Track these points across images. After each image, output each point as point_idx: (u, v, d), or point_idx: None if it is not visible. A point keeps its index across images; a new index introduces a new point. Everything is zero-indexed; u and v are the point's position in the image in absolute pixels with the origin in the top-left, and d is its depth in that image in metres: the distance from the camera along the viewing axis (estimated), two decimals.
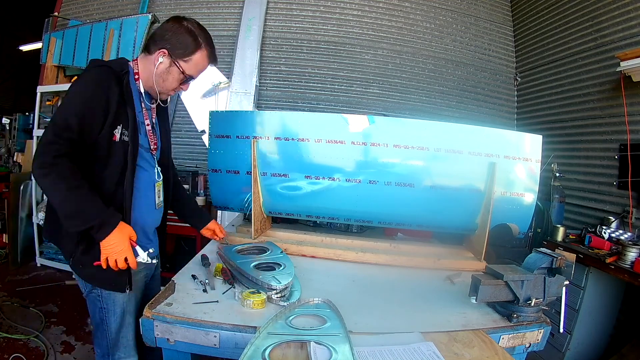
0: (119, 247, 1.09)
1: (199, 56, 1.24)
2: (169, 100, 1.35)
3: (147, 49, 1.24)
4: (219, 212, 2.99)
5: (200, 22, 1.29)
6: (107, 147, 1.12)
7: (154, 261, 1.21)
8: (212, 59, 1.29)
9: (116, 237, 1.08)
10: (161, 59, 1.20)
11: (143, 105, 1.26)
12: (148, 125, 1.28)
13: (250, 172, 1.72)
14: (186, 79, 1.27)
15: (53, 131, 1.04)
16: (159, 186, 1.33)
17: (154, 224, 1.36)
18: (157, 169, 1.32)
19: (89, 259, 1.12)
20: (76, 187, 1.04)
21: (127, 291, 1.19)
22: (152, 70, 1.22)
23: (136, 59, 1.26)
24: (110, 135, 1.12)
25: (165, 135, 1.40)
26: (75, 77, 1.24)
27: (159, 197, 1.33)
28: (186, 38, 1.21)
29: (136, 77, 1.24)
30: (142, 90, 1.25)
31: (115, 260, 1.08)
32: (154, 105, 1.33)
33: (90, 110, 1.09)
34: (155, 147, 1.32)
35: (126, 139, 1.15)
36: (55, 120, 1.08)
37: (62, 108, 1.10)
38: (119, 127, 1.14)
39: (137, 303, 1.29)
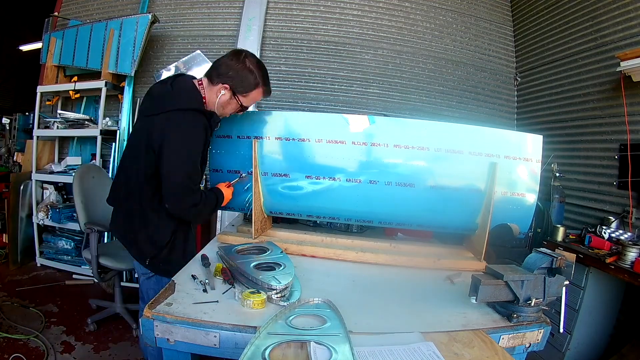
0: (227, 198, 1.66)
1: (256, 92, 1.50)
2: None
3: (210, 78, 1.47)
4: (219, 213, 2.99)
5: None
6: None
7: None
8: (267, 93, 1.56)
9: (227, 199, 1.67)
10: (223, 92, 1.45)
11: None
12: None
13: (251, 172, 1.72)
14: (243, 110, 1.55)
15: (186, 184, 1.41)
16: None
17: None
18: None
19: (171, 257, 1.52)
20: (210, 202, 1.57)
21: None
22: (214, 99, 1.47)
23: (202, 82, 1.48)
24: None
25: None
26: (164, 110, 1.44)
27: None
28: (247, 77, 1.45)
29: (205, 101, 1.48)
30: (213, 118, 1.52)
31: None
32: None
33: (198, 161, 1.45)
34: None
35: (202, 166, 1.55)
36: (186, 173, 1.41)
37: (181, 164, 1.40)
38: (203, 157, 1.51)
39: None
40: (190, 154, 1.41)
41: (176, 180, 1.40)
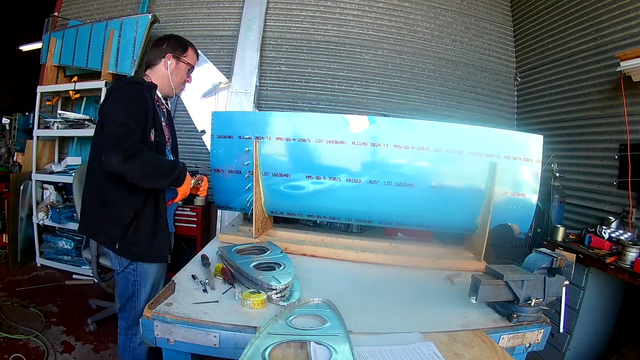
0: (188, 187, 1.60)
1: (191, 51, 1.68)
2: (169, 101, 1.77)
3: (150, 65, 1.64)
4: (219, 212, 2.99)
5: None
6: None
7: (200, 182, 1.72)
8: (196, 52, 1.72)
9: (187, 183, 1.59)
10: (169, 61, 1.62)
11: (163, 108, 1.66)
12: (163, 122, 1.63)
13: (252, 172, 1.73)
14: (190, 70, 1.69)
15: (120, 132, 1.35)
16: None
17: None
18: (169, 156, 1.70)
19: (138, 237, 1.49)
20: (162, 163, 1.49)
21: (168, 261, 1.62)
22: (164, 74, 1.62)
23: (148, 75, 1.64)
24: (147, 137, 1.47)
25: (173, 130, 1.78)
26: (107, 94, 1.56)
27: None
28: (177, 40, 1.66)
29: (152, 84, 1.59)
30: (159, 95, 1.64)
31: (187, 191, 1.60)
32: (168, 107, 1.72)
33: (137, 121, 1.41)
34: (168, 140, 1.69)
35: (157, 138, 1.53)
36: (118, 124, 1.37)
37: (114, 120, 1.39)
38: (152, 130, 1.50)
39: (163, 279, 1.63)
40: (124, 109, 1.41)
41: (109, 131, 1.38)
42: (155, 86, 1.59)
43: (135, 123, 1.39)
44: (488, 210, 1.57)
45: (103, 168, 1.35)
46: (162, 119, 1.62)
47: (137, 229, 1.49)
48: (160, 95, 1.64)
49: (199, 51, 1.76)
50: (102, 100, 1.56)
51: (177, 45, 1.64)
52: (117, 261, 1.53)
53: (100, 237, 1.58)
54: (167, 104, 1.73)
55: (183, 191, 1.58)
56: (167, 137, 1.67)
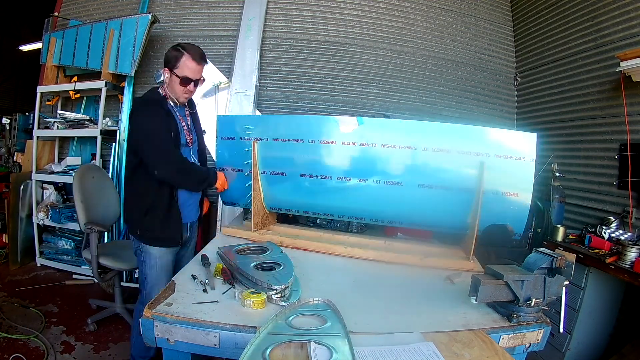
0: (223, 182, 1.92)
1: (184, 59, 1.67)
2: (195, 105, 1.93)
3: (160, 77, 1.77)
4: (219, 213, 3.00)
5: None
6: None
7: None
8: (198, 57, 1.69)
9: (220, 179, 1.91)
10: (166, 75, 1.71)
11: (178, 114, 1.79)
12: (185, 126, 1.80)
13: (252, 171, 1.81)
14: (183, 80, 1.69)
15: (159, 150, 1.65)
16: None
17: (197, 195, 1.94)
18: (192, 156, 1.85)
19: (152, 224, 1.73)
20: (198, 171, 1.81)
21: (179, 246, 1.83)
22: (166, 86, 1.74)
23: (163, 87, 1.77)
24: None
25: (199, 132, 1.93)
26: (130, 117, 1.83)
27: None
28: (173, 53, 1.69)
29: (167, 97, 1.76)
30: (172, 104, 1.77)
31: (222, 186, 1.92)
32: (187, 112, 1.86)
33: (165, 133, 1.67)
34: (191, 141, 1.84)
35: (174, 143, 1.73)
36: (154, 145, 1.64)
37: (149, 142, 1.65)
38: (171, 133, 1.70)
39: (171, 262, 1.81)
40: (151, 128, 1.65)
41: (151, 155, 1.65)
42: (164, 98, 1.74)
43: (166, 135, 1.67)
44: (476, 210, 1.55)
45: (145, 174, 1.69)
46: (184, 124, 1.80)
47: (154, 217, 1.72)
48: (172, 104, 1.76)
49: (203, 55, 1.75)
50: (127, 120, 1.79)
51: (170, 58, 1.69)
52: (137, 243, 1.79)
53: (130, 224, 1.87)
54: (188, 108, 1.87)
55: (220, 185, 1.91)
56: (189, 140, 1.82)
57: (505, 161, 1.59)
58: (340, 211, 1.87)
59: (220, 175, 1.90)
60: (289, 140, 1.79)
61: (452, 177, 1.64)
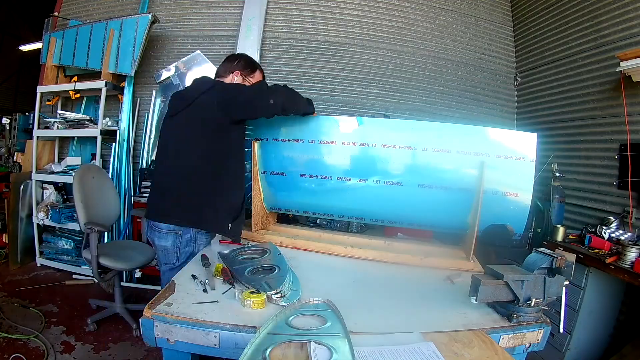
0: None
1: (258, 73, 1.81)
2: None
3: (218, 76, 1.78)
4: None
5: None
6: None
7: None
8: (264, 75, 1.85)
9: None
10: (236, 77, 1.75)
11: None
12: None
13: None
14: None
15: (262, 86, 1.69)
16: None
17: None
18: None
19: (238, 228, 1.70)
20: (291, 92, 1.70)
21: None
22: None
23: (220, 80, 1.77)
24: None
25: None
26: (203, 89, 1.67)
27: None
28: (247, 62, 1.80)
29: None
30: None
31: None
32: None
33: None
34: None
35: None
36: (257, 88, 1.68)
37: (249, 88, 1.68)
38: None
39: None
40: (234, 85, 1.67)
41: (253, 91, 1.62)
42: None
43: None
44: (476, 210, 1.55)
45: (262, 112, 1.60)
46: None
47: (240, 213, 1.72)
48: None
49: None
50: (189, 97, 1.64)
51: (247, 65, 1.77)
52: (166, 258, 1.70)
53: (215, 225, 1.73)
54: None
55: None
56: None
57: (505, 161, 1.59)
58: (340, 211, 1.88)
59: None
60: (288, 140, 1.80)
61: (452, 177, 1.64)
